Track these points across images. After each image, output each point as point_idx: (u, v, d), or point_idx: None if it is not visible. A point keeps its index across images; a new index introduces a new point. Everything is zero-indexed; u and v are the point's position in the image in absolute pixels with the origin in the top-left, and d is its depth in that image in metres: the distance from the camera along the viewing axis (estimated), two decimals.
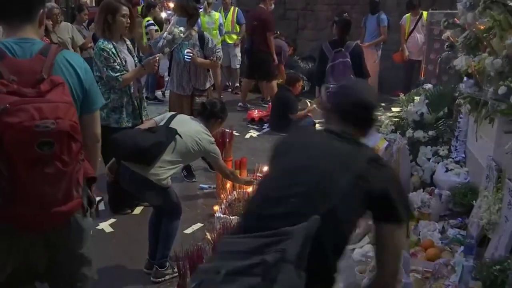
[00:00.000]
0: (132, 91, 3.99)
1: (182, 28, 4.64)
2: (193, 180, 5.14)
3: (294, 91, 7.06)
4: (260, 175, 4.56)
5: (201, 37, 4.79)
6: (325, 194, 1.57)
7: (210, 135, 3.52)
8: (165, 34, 4.53)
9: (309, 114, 7.19)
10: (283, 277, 1.36)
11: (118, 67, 3.86)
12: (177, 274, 3.10)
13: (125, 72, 3.89)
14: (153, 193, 3.18)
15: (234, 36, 9.09)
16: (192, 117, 3.76)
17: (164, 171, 3.18)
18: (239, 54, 9.19)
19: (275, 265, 1.37)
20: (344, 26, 5.29)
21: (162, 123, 3.41)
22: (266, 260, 1.38)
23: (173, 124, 3.37)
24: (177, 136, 3.25)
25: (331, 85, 5.20)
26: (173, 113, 3.62)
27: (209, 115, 3.62)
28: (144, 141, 3.11)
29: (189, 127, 3.41)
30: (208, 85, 5.00)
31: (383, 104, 8.21)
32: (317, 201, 1.56)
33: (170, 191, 3.32)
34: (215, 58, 4.91)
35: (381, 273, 1.71)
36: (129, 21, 3.92)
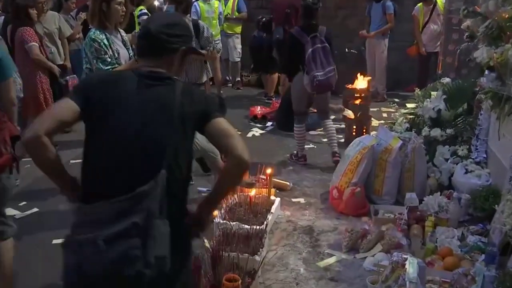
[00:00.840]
0: None
1: None
2: (191, 183, 5.15)
3: None
4: (263, 177, 4.55)
5: (196, 26, 4.75)
6: (162, 151, 1.84)
7: None
8: None
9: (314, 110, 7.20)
10: (156, 232, 1.74)
11: (110, 59, 3.85)
12: None
13: (116, 65, 3.89)
14: None
15: (234, 27, 9.10)
16: None
17: None
18: (239, 46, 9.19)
19: (145, 223, 1.72)
20: (306, 11, 5.35)
21: None
22: (137, 222, 1.71)
23: None
24: None
25: (318, 73, 5.25)
26: None
27: None
28: None
29: None
30: (205, 78, 4.99)
31: (396, 100, 8.23)
32: (158, 158, 1.82)
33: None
34: (212, 48, 4.89)
35: (233, 154, 1.98)
36: (124, 9, 3.91)
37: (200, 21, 4.84)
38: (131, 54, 4.11)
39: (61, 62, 6.47)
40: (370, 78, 7.57)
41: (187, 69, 4.77)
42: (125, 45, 4.12)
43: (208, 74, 5.10)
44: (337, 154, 5.52)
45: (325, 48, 5.32)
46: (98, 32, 3.86)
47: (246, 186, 4.15)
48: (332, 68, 5.38)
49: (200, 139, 3.38)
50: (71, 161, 5.76)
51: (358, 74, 7.27)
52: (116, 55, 3.94)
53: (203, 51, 4.81)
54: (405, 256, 3.03)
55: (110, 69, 3.83)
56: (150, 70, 1.97)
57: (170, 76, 1.98)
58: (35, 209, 4.57)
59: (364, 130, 6.24)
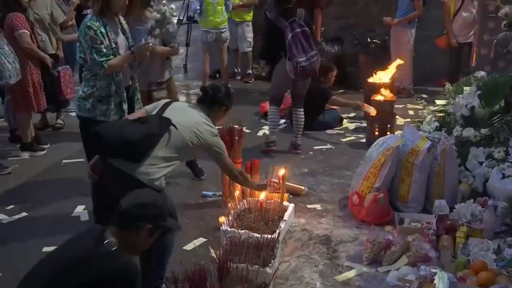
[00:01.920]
0: (118, 79, 4.00)
1: (173, 6, 4.63)
2: (202, 177, 5.24)
3: (327, 82, 7.08)
4: (275, 180, 4.55)
5: (162, 15, 4.69)
6: None
7: (213, 126, 3.53)
8: (153, 14, 4.54)
9: (333, 107, 7.21)
10: None
11: (105, 50, 3.87)
12: None
13: (112, 57, 3.91)
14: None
15: (244, 14, 9.10)
16: (191, 104, 3.78)
17: (156, 169, 3.18)
18: (249, 35, 9.17)
19: None
20: None
21: (155, 112, 3.42)
22: None
23: (167, 113, 3.37)
24: (171, 127, 3.26)
25: (301, 59, 5.47)
26: (168, 100, 3.63)
27: (212, 101, 3.61)
28: (132, 134, 3.11)
29: (187, 117, 3.41)
30: (167, 75, 5.01)
31: (424, 96, 8.19)
32: None
33: (164, 196, 3.30)
34: (176, 44, 4.93)
35: None
36: None
37: (168, 11, 4.63)
38: (130, 43, 4.13)
39: (53, 52, 6.51)
40: (394, 71, 7.53)
41: (148, 67, 4.77)
42: (124, 33, 4.13)
43: (171, 72, 5.11)
44: (298, 147, 5.98)
45: (304, 32, 5.51)
46: (95, 19, 3.88)
47: (257, 188, 4.15)
48: (315, 52, 5.60)
49: (204, 133, 3.38)
50: (63, 161, 5.81)
51: (382, 67, 7.25)
52: (114, 44, 3.96)
53: (167, 48, 4.81)
54: (434, 270, 3.03)
55: (105, 61, 3.85)
56: (104, 237, 2.36)
57: (116, 251, 2.33)
58: (24, 214, 4.60)
59: (388, 130, 6.21)
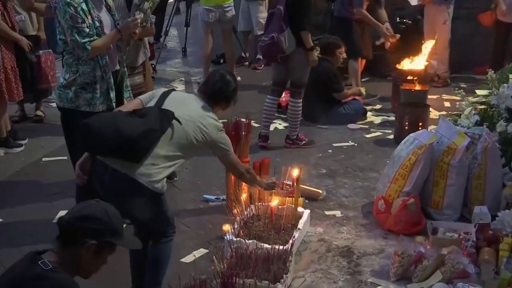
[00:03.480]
0: (104, 62, 4.01)
1: None
2: (175, 179, 5.23)
3: (335, 61, 7.06)
4: (288, 182, 4.55)
5: None
6: None
7: (217, 119, 3.54)
8: None
9: (356, 97, 7.21)
10: None
11: (88, 30, 3.89)
12: None
13: (96, 37, 3.92)
14: (142, 202, 3.19)
15: None
16: (191, 94, 3.77)
17: (158, 170, 3.19)
18: (262, 15, 9.10)
19: None
20: None
21: (152, 103, 3.43)
22: None
23: (167, 105, 3.37)
24: (174, 122, 3.26)
25: (264, 38, 5.98)
26: (165, 89, 3.63)
27: (219, 96, 3.60)
28: (130, 129, 3.10)
29: (189, 109, 3.41)
30: (141, 59, 5.03)
31: (463, 85, 8.16)
32: None
33: (164, 201, 3.33)
34: (149, 24, 4.87)
35: None
36: None
37: None
38: (117, 21, 4.14)
39: (34, 33, 6.53)
40: (428, 56, 7.51)
41: (118, 52, 4.74)
42: (109, 10, 4.15)
43: (147, 53, 5.10)
44: (289, 141, 6.19)
45: (275, 12, 5.83)
46: None
47: (265, 187, 4.13)
48: (272, 35, 5.81)
49: (209, 128, 3.37)
50: (44, 159, 5.85)
51: (413, 51, 7.23)
52: (98, 23, 3.97)
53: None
54: None
55: (87, 42, 3.86)
56: (39, 255, 2.39)
57: (52, 270, 2.33)
58: None
59: (420, 124, 6.19)
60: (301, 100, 6.14)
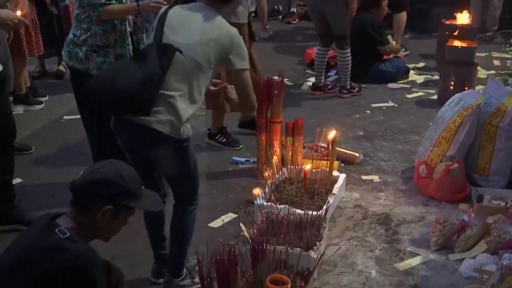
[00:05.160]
0: (124, 28, 3.95)
1: None
2: (239, 147, 5.28)
3: (380, 14, 7.01)
4: (323, 145, 4.54)
5: None
6: None
7: (226, 23, 3.24)
8: None
9: (398, 54, 7.15)
10: None
11: None
12: (199, 285, 3.17)
13: (114, 2, 3.87)
14: (165, 152, 3.13)
15: None
16: (191, 4, 3.43)
17: (175, 112, 3.07)
18: None
19: None
20: None
21: (152, 37, 3.22)
22: None
23: (167, 34, 3.15)
24: (177, 55, 3.08)
25: None
26: (162, 11, 3.32)
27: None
28: (126, 83, 3.00)
29: (192, 30, 3.16)
30: None
31: None
32: None
33: (190, 152, 3.23)
34: None
35: None
36: None
37: None
38: None
39: None
40: (477, 10, 7.37)
41: None
42: None
43: None
44: (344, 91, 6.48)
45: None
46: None
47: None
48: None
49: (220, 38, 3.15)
50: (65, 117, 5.92)
51: (460, 4, 7.10)
52: None
53: None
54: None
55: (103, 5, 3.80)
56: (55, 221, 2.39)
57: (69, 237, 2.32)
58: (19, 180, 4.69)
59: (467, 84, 6.12)
60: (349, 49, 6.33)
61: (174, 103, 3.06)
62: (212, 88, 3.41)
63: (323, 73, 6.69)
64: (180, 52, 3.07)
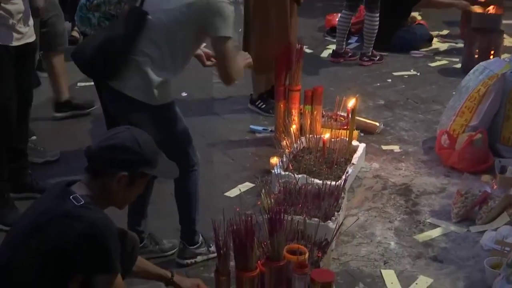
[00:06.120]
0: None
1: None
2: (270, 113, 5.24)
3: None
4: (343, 114, 4.53)
5: None
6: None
7: None
8: None
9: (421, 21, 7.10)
10: None
11: None
12: (215, 254, 3.20)
13: None
14: (145, 119, 3.09)
15: None
16: None
17: (147, 76, 3.05)
18: None
19: None
20: None
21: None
22: None
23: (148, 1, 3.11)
24: (149, 20, 3.03)
25: None
26: None
27: None
28: (90, 48, 3.10)
29: None
30: None
31: None
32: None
33: (172, 118, 3.18)
34: None
35: None
36: None
37: None
38: None
39: None
40: None
41: None
42: None
43: None
44: (365, 58, 6.50)
45: None
46: None
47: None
48: None
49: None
50: (79, 84, 5.93)
51: None
52: None
53: None
54: None
55: None
56: (70, 188, 2.41)
57: (84, 205, 2.33)
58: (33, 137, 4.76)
59: (492, 52, 6.07)
60: (378, 14, 6.29)
61: (143, 68, 3.06)
62: (208, 62, 3.47)
63: (345, 40, 6.67)
64: (148, 15, 3.03)
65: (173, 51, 3.10)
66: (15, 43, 3.51)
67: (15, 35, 3.50)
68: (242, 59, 3.41)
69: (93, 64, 3.10)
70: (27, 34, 3.61)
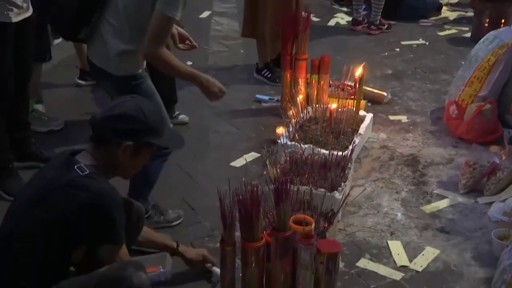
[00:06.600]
0: None
1: None
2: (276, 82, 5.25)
3: None
4: (350, 83, 4.51)
5: None
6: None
7: None
8: None
9: None
10: None
11: None
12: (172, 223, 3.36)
13: None
14: (113, 89, 3.16)
15: None
16: None
17: (111, 45, 3.08)
18: None
19: None
20: None
21: None
22: None
23: None
24: None
25: None
26: None
27: None
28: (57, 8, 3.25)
29: None
30: None
31: None
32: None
33: (139, 91, 2.98)
34: None
35: None
36: None
37: None
38: None
39: None
40: None
41: None
42: None
43: None
44: (373, 27, 6.53)
45: None
46: None
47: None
48: None
49: None
50: None
51: None
52: None
53: None
54: None
55: None
56: (74, 158, 2.41)
57: (89, 175, 2.33)
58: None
59: (503, 21, 6.04)
60: None
61: (105, 37, 3.13)
62: (181, 46, 3.58)
63: (362, 7, 6.66)
64: None
65: (131, 24, 3.10)
66: (14, 19, 3.52)
67: (15, 10, 3.51)
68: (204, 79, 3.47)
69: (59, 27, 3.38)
70: (25, 8, 3.62)
